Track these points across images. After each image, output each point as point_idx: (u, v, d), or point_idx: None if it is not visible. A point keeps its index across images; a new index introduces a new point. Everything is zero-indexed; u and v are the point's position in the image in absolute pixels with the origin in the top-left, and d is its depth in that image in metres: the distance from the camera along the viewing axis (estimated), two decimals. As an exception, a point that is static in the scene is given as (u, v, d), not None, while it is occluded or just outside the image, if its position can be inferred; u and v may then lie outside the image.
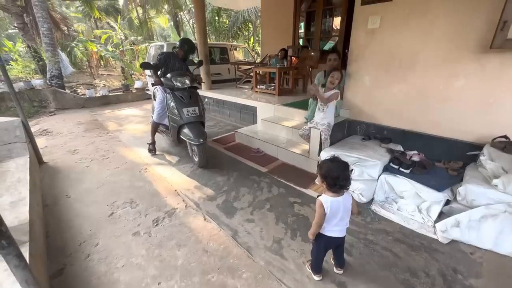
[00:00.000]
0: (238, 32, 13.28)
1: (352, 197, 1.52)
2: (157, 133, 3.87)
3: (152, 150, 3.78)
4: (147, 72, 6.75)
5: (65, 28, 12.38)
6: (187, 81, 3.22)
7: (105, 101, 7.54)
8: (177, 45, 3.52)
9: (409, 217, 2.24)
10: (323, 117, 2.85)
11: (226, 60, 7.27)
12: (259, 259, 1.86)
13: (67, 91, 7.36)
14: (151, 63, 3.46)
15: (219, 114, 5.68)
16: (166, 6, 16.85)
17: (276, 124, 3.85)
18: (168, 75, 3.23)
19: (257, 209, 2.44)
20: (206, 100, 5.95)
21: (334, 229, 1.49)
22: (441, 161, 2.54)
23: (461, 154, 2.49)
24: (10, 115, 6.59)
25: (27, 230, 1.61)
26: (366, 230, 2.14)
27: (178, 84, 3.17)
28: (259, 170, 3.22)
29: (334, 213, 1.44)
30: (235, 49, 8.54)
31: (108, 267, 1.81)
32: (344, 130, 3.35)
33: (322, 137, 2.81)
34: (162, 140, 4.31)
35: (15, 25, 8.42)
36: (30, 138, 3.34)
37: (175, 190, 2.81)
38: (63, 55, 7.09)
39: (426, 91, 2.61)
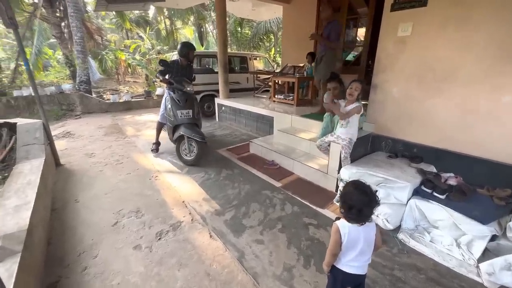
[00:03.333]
0: (260, 43, 13.39)
1: (377, 226, 1.27)
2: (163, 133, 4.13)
3: (155, 150, 4.02)
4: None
5: (98, 37, 13.22)
6: (189, 88, 3.47)
7: (128, 107, 7.77)
8: (179, 52, 3.67)
9: (445, 251, 1.92)
10: (345, 132, 2.61)
11: (245, 70, 7.25)
12: (266, 288, 1.65)
13: (93, 96, 7.69)
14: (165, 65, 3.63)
15: (235, 123, 5.59)
16: (192, 18, 17.55)
17: (293, 136, 3.65)
18: (177, 79, 3.46)
19: (267, 229, 2.23)
20: (223, 108, 5.90)
21: (352, 264, 1.24)
22: (484, 187, 2.19)
23: (509, 181, 2.13)
24: (39, 117, 6.99)
25: (23, 238, 1.53)
26: (393, 264, 1.85)
27: (188, 88, 3.45)
28: (272, 184, 3.02)
29: (352, 244, 1.21)
30: (256, 59, 8.52)
31: (102, 284, 1.69)
32: (368, 146, 3.07)
33: (342, 155, 2.57)
34: (169, 154, 4.26)
35: (54, 34, 9.07)
36: (49, 140, 3.41)
37: (183, 202, 2.67)
38: (92, 62, 7.47)
39: (466, 107, 2.30)
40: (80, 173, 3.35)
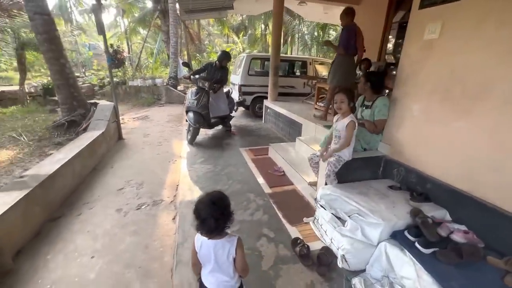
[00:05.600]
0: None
1: (238, 246, 1.15)
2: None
3: None
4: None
5: (197, 42, 15.74)
6: (206, 85, 4.29)
7: (200, 101, 9.01)
8: (217, 57, 4.73)
9: (400, 319, 1.46)
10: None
11: (305, 74, 7.08)
12: (178, 277, 1.74)
13: (177, 89, 9.32)
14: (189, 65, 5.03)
15: (275, 126, 5.61)
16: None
17: (306, 146, 3.42)
18: (197, 76, 4.47)
19: (222, 227, 2.26)
20: (268, 110, 6.02)
21: (209, 278, 1.18)
22: (504, 257, 1.50)
23: (552, 259, 1.38)
24: (140, 103, 9.02)
25: (39, 180, 2.20)
26: (318, 306, 1.57)
27: (200, 84, 4.32)
28: (262, 189, 2.97)
29: (205, 258, 1.15)
30: (321, 64, 8.15)
31: (80, 228, 2.21)
32: (378, 170, 2.55)
33: (325, 171, 2.27)
34: (204, 141, 4.74)
35: (163, 39, 11.49)
36: (116, 118, 4.49)
37: (177, 185, 3.03)
38: (180, 61, 9.06)
39: (502, 137, 1.61)
40: (129, 147, 4.27)
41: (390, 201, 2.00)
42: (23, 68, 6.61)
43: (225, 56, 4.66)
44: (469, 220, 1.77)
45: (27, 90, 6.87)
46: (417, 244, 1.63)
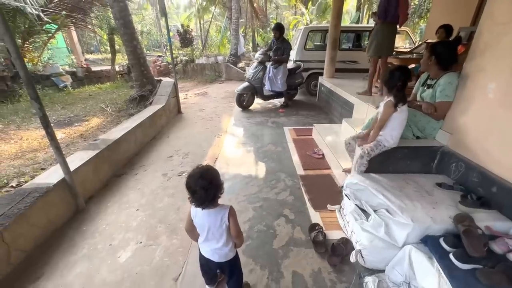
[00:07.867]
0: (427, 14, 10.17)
1: (231, 214, 1.20)
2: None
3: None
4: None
5: (262, 16, 15.42)
6: (260, 58, 4.95)
7: (257, 78, 9.07)
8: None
9: (410, 332, 1.29)
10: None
11: (372, 46, 6.17)
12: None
13: (237, 66, 9.58)
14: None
15: (327, 105, 5.22)
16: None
17: (351, 129, 3.09)
18: (258, 53, 5.14)
19: (245, 202, 2.37)
20: (322, 88, 5.61)
21: (204, 247, 1.28)
22: None
23: None
24: (204, 80, 9.72)
25: (107, 143, 2.73)
26: (319, 294, 1.52)
27: (257, 57, 5.06)
28: (295, 170, 2.90)
29: (200, 227, 1.25)
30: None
31: (134, 185, 2.68)
32: (432, 163, 2.12)
33: (358, 153, 2.02)
34: (255, 116, 4.81)
35: (227, 16, 11.74)
36: (176, 94, 5.01)
37: (216, 158, 3.26)
38: (241, 38, 9.16)
39: None
40: (185, 121, 4.76)
41: (431, 201, 1.67)
42: (113, 51, 7.99)
43: (277, 28, 4.80)
44: (544, 241, 1.33)
45: (117, 69, 8.32)
46: (451, 256, 1.34)
